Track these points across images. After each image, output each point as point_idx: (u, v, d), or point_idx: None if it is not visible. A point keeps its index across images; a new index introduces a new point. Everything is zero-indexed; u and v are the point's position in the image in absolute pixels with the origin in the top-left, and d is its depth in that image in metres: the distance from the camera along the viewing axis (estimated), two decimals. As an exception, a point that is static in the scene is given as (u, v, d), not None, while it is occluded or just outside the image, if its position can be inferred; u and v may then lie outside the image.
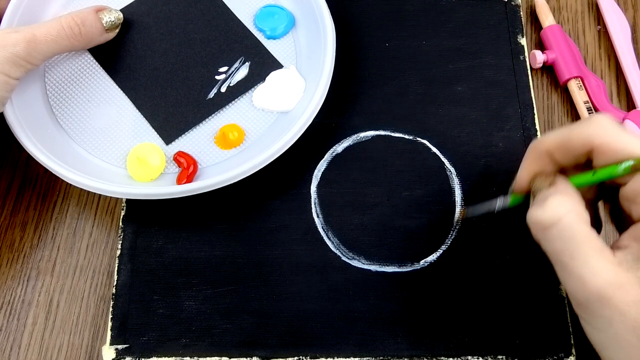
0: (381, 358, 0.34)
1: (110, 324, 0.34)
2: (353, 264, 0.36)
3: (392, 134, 0.39)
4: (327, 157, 0.39)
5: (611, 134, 0.28)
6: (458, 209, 0.37)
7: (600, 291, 0.26)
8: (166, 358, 0.34)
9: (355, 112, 0.40)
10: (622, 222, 0.31)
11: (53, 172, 0.35)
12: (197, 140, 0.38)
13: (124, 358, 0.34)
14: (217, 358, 0.34)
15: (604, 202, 0.33)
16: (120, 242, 0.36)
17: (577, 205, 0.28)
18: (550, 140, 0.30)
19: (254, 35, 0.40)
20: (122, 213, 0.37)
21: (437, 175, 0.38)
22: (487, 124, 0.39)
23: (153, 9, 0.40)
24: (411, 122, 0.39)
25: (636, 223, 0.28)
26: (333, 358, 0.34)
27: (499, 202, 0.33)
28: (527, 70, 0.41)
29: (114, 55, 0.39)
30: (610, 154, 0.28)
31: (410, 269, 0.36)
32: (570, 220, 0.27)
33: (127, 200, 0.37)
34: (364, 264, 0.36)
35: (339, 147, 0.39)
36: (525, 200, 0.32)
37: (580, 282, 0.27)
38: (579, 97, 0.41)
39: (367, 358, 0.34)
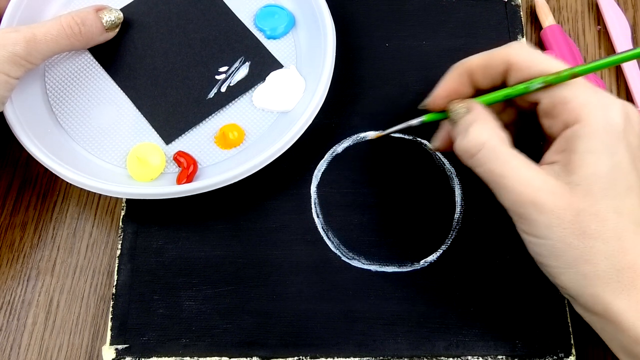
0: (381, 358, 0.34)
1: (110, 324, 0.34)
2: (353, 264, 0.36)
3: (392, 134, 0.39)
4: (327, 157, 0.39)
5: (527, 53, 0.31)
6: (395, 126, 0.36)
7: (534, 198, 0.28)
8: (166, 358, 0.34)
9: (355, 112, 0.40)
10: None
11: (53, 172, 0.35)
12: (197, 140, 0.38)
13: (124, 358, 0.34)
14: (217, 358, 0.34)
15: None
16: (120, 242, 0.36)
17: (497, 129, 0.30)
18: (474, 60, 0.33)
19: (254, 35, 0.40)
20: (122, 213, 0.37)
21: (437, 175, 0.38)
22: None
23: (153, 9, 0.40)
24: (411, 122, 0.39)
25: (557, 138, 0.30)
26: (333, 358, 0.34)
27: (415, 120, 0.35)
28: (527, 70, 0.41)
29: (114, 54, 0.39)
30: (525, 70, 0.31)
31: (410, 269, 0.36)
32: (493, 144, 0.29)
33: (127, 200, 0.37)
34: (364, 264, 0.36)
35: (339, 147, 0.39)
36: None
37: (514, 194, 0.28)
38: (579, 97, 0.41)
39: (367, 358, 0.34)
